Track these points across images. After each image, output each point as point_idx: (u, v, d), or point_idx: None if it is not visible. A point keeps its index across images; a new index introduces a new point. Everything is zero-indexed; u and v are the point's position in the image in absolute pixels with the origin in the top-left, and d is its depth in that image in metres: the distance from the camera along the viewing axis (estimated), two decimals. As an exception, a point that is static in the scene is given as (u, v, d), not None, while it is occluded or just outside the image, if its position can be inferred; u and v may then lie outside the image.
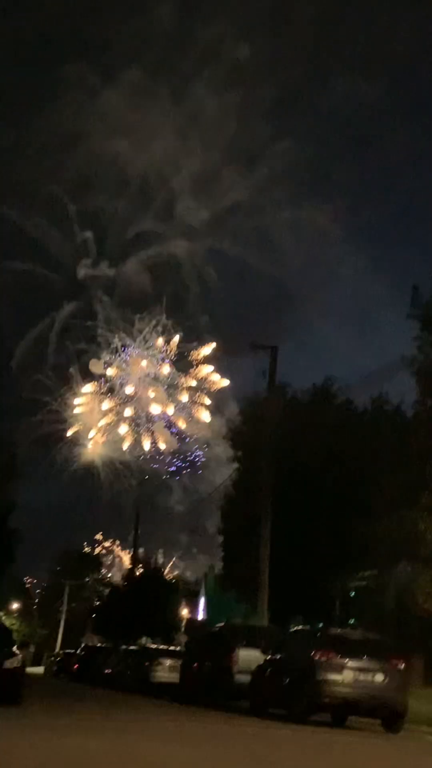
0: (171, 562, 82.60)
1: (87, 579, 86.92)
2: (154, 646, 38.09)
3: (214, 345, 71.28)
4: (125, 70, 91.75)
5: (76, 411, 70.02)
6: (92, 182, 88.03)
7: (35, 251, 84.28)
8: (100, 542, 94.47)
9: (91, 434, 74.73)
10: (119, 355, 74.16)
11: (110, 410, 74.24)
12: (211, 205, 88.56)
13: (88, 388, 71.59)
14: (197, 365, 71.14)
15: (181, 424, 71.14)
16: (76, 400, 69.51)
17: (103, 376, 73.63)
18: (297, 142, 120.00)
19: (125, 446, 68.30)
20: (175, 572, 78.07)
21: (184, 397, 70.82)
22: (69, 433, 71.25)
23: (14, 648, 18.63)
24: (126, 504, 73.01)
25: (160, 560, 71.23)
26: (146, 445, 70.86)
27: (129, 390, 69.97)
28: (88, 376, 75.04)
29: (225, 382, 66.09)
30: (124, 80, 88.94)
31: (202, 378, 69.98)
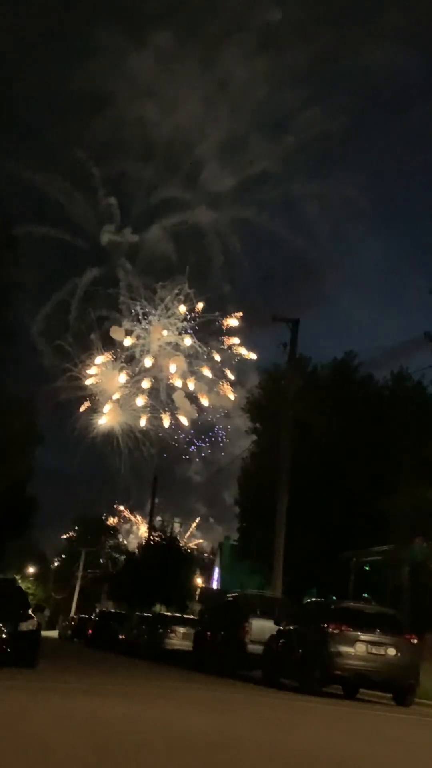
0: (188, 532, 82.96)
1: (103, 546, 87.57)
2: (168, 613, 38.42)
3: (240, 315, 70.79)
4: (154, 33, 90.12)
5: (93, 380, 69.80)
6: (118, 147, 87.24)
7: (58, 216, 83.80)
8: (117, 510, 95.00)
9: (109, 402, 74.72)
10: (140, 323, 73.83)
11: (129, 380, 74.22)
12: (237, 173, 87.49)
13: (105, 357, 71.47)
14: (224, 337, 70.64)
15: (203, 400, 70.93)
16: (93, 368, 69.32)
17: (123, 343, 73.37)
18: (326, 110, 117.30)
19: (142, 420, 68.12)
20: (195, 542, 78.38)
21: (207, 372, 70.50)
22: (85, 403, 71.13)
23: (30, 611, 18.84)
24: (144, 472, 73.10)
25: (177, 529, 71.50)
26: (166, 420, 70.65)
27: (148, 363, 69.67)
28: (109, 342, 74.74)
29: (252, 356, 65.54)
30: (153, 43, 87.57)
31: (228, 347, 69.49)
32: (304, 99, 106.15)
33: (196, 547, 74.89)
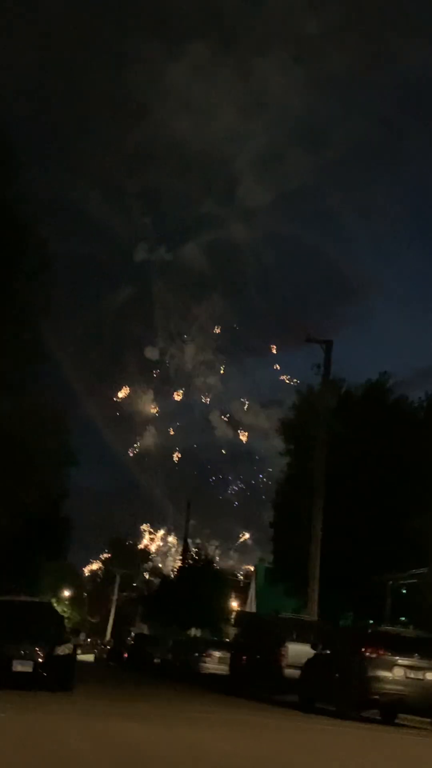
0: (221, 552, 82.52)
1: (138, 568, 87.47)
2: (203, 637, 38.26)
3: (273, 347, 70.10)
4: (191, 45, 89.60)
5: (127, 399, 69.75)
6: (153, 160, 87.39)
7: (94, 233, 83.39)
8: (153, 532, 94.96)
9: (147, 423, 74.61)
10: (174, 342, 73.51)
11: (164, 400, 73.85)
12: (273, 188, 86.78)
13: (142, 377, 71.14)
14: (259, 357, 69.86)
15: (241, 420, 70.47)
16: (126, 389, 69.23)
17: (158, 363, 73.20)
18: (366, 121, 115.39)
19: (179, 440, 68.06)
20: (230, 563, 77.96)
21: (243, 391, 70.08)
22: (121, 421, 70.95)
23: (65, 635, 18.85)
24: (182, 493, 72.54)
25: (212, 551, 71.09)
26: (200, 435, 70.40)
27: (178, 392, 69.41)
28: (143, 361, 74.54)
29: (287, 379, 64.91)
30: (189, 55, 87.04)
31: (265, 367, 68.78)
32: (342, 110, 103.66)
33: (232, 569, 74.53)
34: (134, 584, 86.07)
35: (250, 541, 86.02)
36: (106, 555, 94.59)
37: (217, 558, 73.52)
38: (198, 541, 59.84)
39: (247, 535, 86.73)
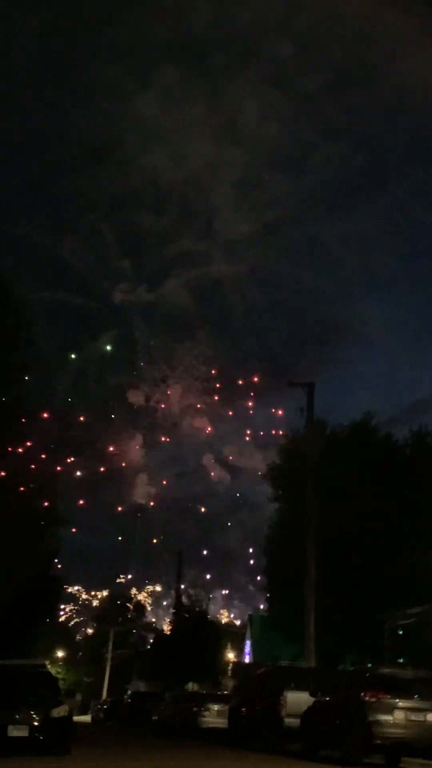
0: (225, 602, 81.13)
1: (132, 624, 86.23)
2: (201, 691, 37.71)
3: (252, 395, 69.48)
4: (158, 70, 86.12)
5: (119, 450, 68.90)
6: (127, 198, 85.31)
7: (69, 278, 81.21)
8: (144, 588, 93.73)
9: (138, 475, 73.69)
10: (160, 386, 72.60)
11: (156, 446, 72.78)
12: (253, 218, 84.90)
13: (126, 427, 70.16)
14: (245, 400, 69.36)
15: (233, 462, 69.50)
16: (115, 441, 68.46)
17: (143, 407, 72.38)
18: (346, 144, 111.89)
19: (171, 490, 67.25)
20: (235, 612, 76.60)
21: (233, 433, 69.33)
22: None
23: (60, 697, 18.53)
24: (179, 544, 71.19)
25: (214, 602, 69.98)
26: (194, 481, 69.56)
27: (168, 437, 68.69)
28: (130, 409, 73.37)
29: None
30: (158, 82, 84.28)
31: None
32: (319, 133, 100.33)
33: (227, 620, 73.48)
34: (131, 639, 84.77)
35: (253, 589, 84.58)
36: (101, 614, 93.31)
37: (220, 609, 72.43)
38: (192, 592, 58.95)
39: (251, 583, 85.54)
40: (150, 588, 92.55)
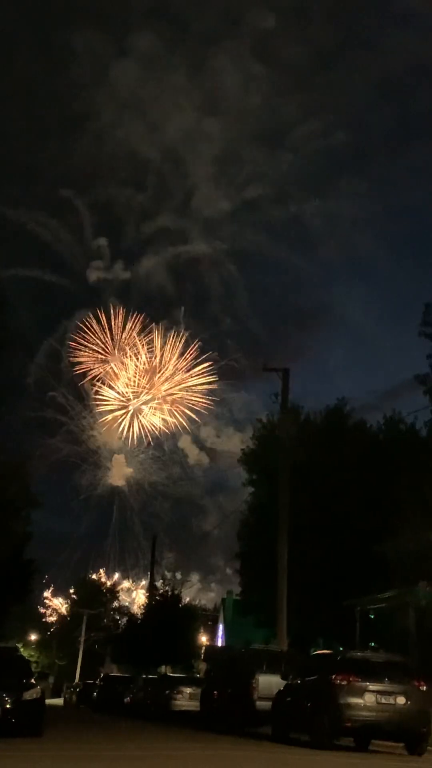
0: (201, 586, 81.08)
1: (105, 608, 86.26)
2: (173, 674, 37.85)
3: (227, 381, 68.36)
4: (138, 37, 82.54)
5: (96, 432, 68.01)
6: (104, 170, 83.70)
7: (43, 255, 79.56)
8: (120, 571, 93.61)
9: (114, 456, 72.79)
10: (136, 367, 71.40)
11: (131, 427, 71.73)
12: (232, 195, 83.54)
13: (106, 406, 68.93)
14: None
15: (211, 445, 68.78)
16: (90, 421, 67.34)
17: (120, 391, 71.43)
18: (328, 121, 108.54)
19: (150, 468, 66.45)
20: (211, 595, 76.57)
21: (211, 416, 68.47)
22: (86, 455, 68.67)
23: (33, 679, 18.53)
24: (156, 527, 70.73)
25: (190, 585, 69.85)
26: (172, 464, 68.79)
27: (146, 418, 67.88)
28: (104, 390, 72.15)
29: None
30: (137, 48, 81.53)
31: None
32: (302, 109, 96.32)
33: (205, 604, 73.56)
34: (104, 622, 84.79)
35: (230, 572, 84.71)
36: (71, 597, 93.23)
37: (197, 591, 72.36)
38: (167, 575, 59.01)
39: (228, 567, 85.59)
40: (131, 571, 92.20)
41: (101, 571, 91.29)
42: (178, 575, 60.62)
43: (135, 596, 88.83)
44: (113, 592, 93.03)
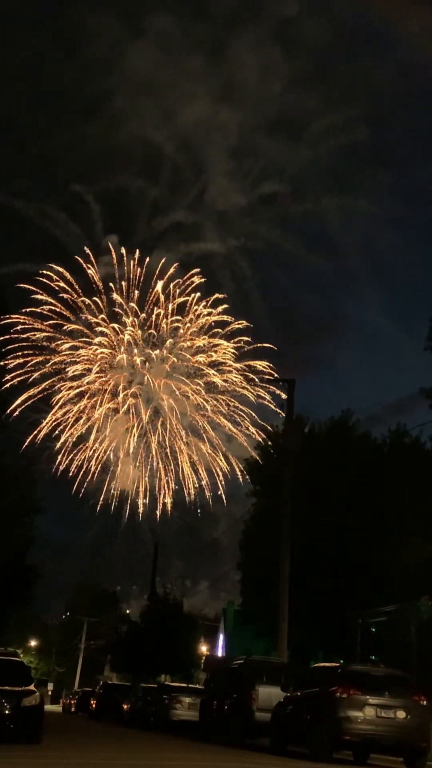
0: (209, 594, 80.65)
1: (106, 615, 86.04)
2: (173, 683, 37.75)
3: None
4: (154, 19, 79.24)
5: (103, 438, 67.23)
6: (116, 158, 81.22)
7: (50, 248, 77.90)
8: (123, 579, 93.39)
9: (120, 462, 71.88)
10: (145, 365, 70.46)
11: (140, 436, 70.81)
12: (246, 189, 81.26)
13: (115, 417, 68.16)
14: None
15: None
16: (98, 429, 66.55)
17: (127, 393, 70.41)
18: (349, 115, 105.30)
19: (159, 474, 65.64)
20: (220, 604, 76.25)
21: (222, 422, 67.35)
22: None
23: (32, 686, 18.50)
24: (167, 535, 70.13)
25: (197, 594, 69.50)
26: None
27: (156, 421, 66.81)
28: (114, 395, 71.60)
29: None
30: (153, 31, 78.86)
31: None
32: (321, 100, 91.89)
33: (205, 613, 73.34)
34: (104, 632, 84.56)
35: (237, 581, 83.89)
36: (74, 604, 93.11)
37: (202, 600, 72.05)
38: (168, 586, 58.75)
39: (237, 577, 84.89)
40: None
41: (104, 578, 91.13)
42: (188, 583, 60.22)
43: (136, 605, 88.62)
44: (114, 599, 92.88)
